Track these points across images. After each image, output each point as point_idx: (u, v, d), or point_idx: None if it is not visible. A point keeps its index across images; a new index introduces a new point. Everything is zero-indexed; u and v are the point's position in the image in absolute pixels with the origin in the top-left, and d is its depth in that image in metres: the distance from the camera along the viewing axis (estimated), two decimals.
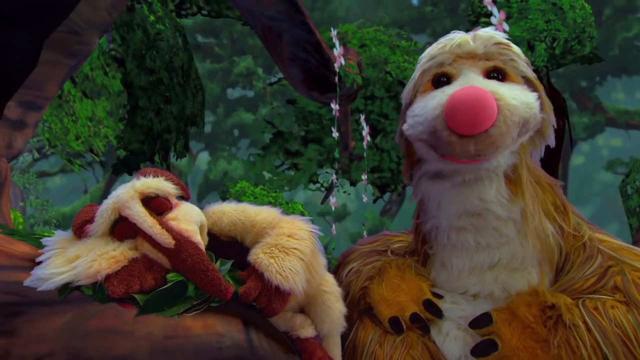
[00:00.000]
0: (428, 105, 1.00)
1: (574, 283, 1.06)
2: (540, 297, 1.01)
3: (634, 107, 13.08)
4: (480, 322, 1.02)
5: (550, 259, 1.10)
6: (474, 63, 1.05)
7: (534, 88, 1.06)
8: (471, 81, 1.00)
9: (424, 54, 1.13)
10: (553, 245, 1.09)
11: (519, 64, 1.06)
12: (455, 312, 1.10)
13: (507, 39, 1.09)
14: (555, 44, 5.60)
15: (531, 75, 1.08)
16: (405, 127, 1.08)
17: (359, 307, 1.17)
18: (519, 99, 0.98)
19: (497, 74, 1.04)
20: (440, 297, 1.13)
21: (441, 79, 1.07)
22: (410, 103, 1.11)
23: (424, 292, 1.13)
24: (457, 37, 1.08)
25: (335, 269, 1.33)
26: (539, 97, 1.04)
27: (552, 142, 1.11)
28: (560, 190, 1.15)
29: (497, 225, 1.07)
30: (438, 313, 1.09)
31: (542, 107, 1.04)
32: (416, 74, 1.13)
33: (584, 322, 0.95)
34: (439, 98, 0.99)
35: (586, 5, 5.78)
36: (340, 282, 1.21)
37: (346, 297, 1.17)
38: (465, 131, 0.93)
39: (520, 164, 1.06)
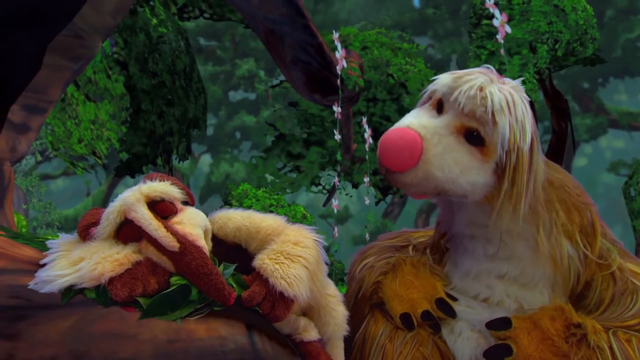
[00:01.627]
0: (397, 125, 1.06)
1: (611, 319, 1.01)
2: (566, 313, 1.00)
3: (636, 108, 13.05)
4: (499, 324, 1.02)
5: (564, 282, 1.08)
6: (458, 113, 1.06)
7: (506, 156, 1.00)
8: (415, 117, 1.07)
9: (437, 78, 1.11)
10: (568, 269, 1.07)
11: (499, 130, 1.01)
12: (470, 314, 1.10)
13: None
14: (557, 46, 5.60)
15: (506, 146, 1.01)
16: None
17: (371, 301, 1.17)
18: (442, 163, 0.99)
19: (474, 134, 1.02)
20: (454, 299, 1.13)
21: (441, 104, 1.10)
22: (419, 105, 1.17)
23: (438, 290, 1.13)
24: (459, 88, 1.03)
25: (352, 265, 1.33)
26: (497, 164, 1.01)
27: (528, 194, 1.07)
28: (594, 212, 1.10)
29: (506, 239, 1.06)
30: (451, 312, 1.09)
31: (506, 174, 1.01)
32: (428, 89, 1.13)
33: (610, 347, 0.93)
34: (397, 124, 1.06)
35: (588, 6, 5.78)
36: (353, 278, 1.23)
37: (359, 291, 1.19)
38: (386, 164, 1.01)
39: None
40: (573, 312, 1.00)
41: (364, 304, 1.17)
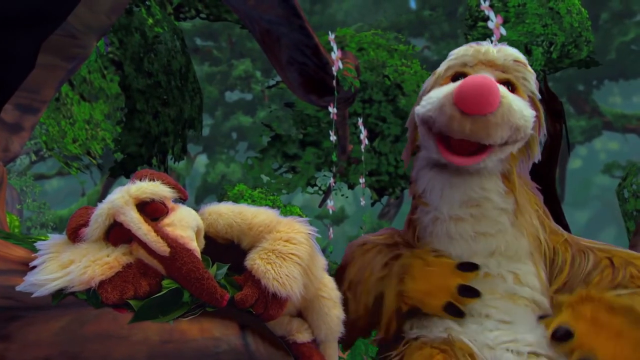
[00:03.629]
0: (443, 90, 1.10)
1: (587, 279, 1.14)
2: (605, 301, 1.06)
3: (630, 110, 13.15)
4: (562, 337, 1.04)
5: (539, 250, 1.18)
6: (491, 70, 1.16)
7: (535, 108, 1.16)
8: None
9: (453, 52, 1.25)
10: (541, 239, 1.18)
11: (529, 83, 1.17)
12: (495, 337, 1.09)
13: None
14: (552, 48, 5.63)
15: (537, 97, 1.19)
16: (417, 108, 1.16)
17: (401, 313, 1.18)
18: (519, 107, 1.07)
19: (508, 85, 1.14)
20: (474, 266, 1.15)
21: (459, 78, 1.15)
22: (428, 91, 1.21)
23: (451, 263, 1.16)
24: (484, 46, 1.19)
25: (348, 258, 1.34)
26: (536, 117, 1.14)
27: (537, 158, 1.23)
28: (541, 199, 1.26)
29: (494, 214, 1.14)
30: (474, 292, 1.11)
31: (536, 126, 1.15)
32: (442, 68, 1.24)
33: None
34: (452, 85, 1.09)
35: (583, 9, 5.82)
36: (354, 270, 1.24)
37: (380, 297, 1.21)
38: (468, 109, 1.02)
39: (511, 169, 1.17)
40: (605, 294, 1.07)
41: (391, 319, 1.19)
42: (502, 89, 1.05)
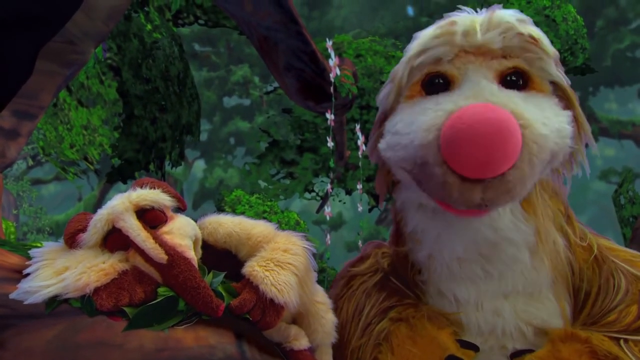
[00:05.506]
0: (416, 122, 0.74)
1: (606, 314, 0.89)
2: (590, 343, 0.83)
3: (626, 117, 13.24)
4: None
5: (563, 277, 0.93)
6: (485, 62, 0.76)
7: (565, 99, 0.80)
8: (482, 92, 0.72)
9: (412, 44, 0.83)
10: (564, 262, 0.92)
11: (547, 64, 0.77)
12: None
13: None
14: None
15: (563, 81, 0.79)
16: (381, 145, 0.83)
17: None
18: (550, 123, 0.71)
19: (517, 77, 0.76)
20: (474, 347, 0.90)
21: (435, 81, 0.79)
22: (389, 111, 0.85)
23: (445, 347, 0.89)
24: (462, 21, 0.77)
25: (335, 299, 1.13)
26: (574, 116, 0.78)
27: (586, 170, 0.90)
28: (564, 195, 0.95)
29: (510, 251, 0.87)
30: None
31: (576, 133, 0.79)
32: (400, 72, 0.83)
33: None
34: (433, 114, 0.72)
35: (578, 17, 5.88)
36: (339, 322, 1.07)
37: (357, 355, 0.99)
38: (472, 174, 0.67)
39: (533, 191, 0.87)
40: (590, 336, 0.85)
41: None
42: (516, 109, 0.68)
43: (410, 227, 0.96)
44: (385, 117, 0.87)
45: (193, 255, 0.92)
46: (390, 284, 1.08)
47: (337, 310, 1.09)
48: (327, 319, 1.06)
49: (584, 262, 0.92)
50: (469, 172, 0.67)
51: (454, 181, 0.69)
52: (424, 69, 0.81)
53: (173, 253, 0.88)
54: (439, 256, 0.93)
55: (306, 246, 1.03)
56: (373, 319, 1.01)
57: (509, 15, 0.77)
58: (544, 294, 0.92)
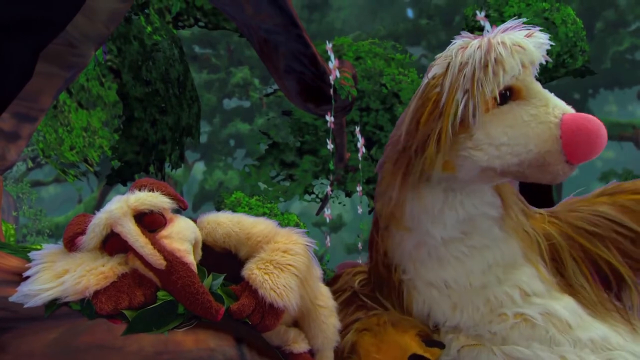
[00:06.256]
0: (523, 133, 0.88)
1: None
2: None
3: (626, 119, 13.26)
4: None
5: (530, 246, 1.06)
6: (529, 72, 0.93)
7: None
8: (557, 101, 0.92)
9: (472, 57, 0.90)
10: (530, 232, 1.07)
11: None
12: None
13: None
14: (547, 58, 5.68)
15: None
16: (481, 156, 0.91)
17: None
18: None
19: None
20: (439, 344, 1.01)
21: (504, 93, 0.91)
22: (463, 124, 0.92)
23: (407, 348, 0.99)
24: (523, 41, 0.90)
25: None
26: None
27: None
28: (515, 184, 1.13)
29: (485, 225, 1.03)
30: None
31: None
32: (467, 86, 0.90)
33: None
34: (542, 126, 0.87)
35: (578, 19, 5.89)
36: None
37: None
38: (581, 160, 0.87)
39: None
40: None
41: None
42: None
43: (407, 212, 1.05)
44: (458, 132, 0.94)
45: (192, 260, 0.92)
46: (357, 301, 1.16)
47: None
48: (328, 323, 1.05)
49: (542, 227, 1.08)
50: (582, 161, 0.87)
51: (566, 169, 0.88)
52: (500, 84, 0.90)
53: (172, 259, 0.87)
54: (429, 240, 1.04)
55: (307, 244, 1.02)
56: (341, 333, 1.07)
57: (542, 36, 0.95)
58: (519, 262, 1.04)
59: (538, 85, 0.93)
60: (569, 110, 0.91)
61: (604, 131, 0.87)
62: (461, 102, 0.90)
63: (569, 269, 1.05)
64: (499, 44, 0.90)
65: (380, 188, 1.14)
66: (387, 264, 1.13)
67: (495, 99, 0.91)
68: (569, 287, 1.05)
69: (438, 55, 1.02)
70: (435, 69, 1.00)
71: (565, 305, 0.99)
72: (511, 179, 0.98)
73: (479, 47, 0.91)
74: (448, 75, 0.93)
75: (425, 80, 1.01)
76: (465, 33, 0.99)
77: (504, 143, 0.89)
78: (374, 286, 1.18)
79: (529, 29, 0.94)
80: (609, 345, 0.94)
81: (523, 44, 0.90)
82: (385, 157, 1.12)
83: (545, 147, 0.87)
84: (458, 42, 0.97)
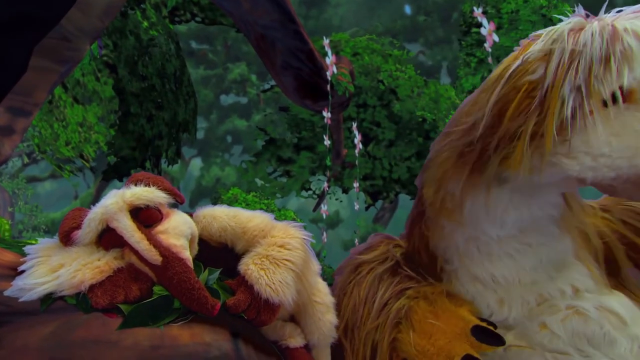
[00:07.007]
0: (631, 145, 0.73)
1: None
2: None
3: None
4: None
5: (586, 245, 1.00)
6: None
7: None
8: None
9: (590, 45, 0.74)
10: (589, 235, 1.00)
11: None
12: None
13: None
14: None
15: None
16: (572, 166, 0.78)
17: None
18: None
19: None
20: (492, 323, 0.93)
21: (615, 95, 0.76)
22: (567, 127, 0.77)
23: (468, 319, 0.92)
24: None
25: (341, 288, 1.13)
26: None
27: None
28: None
29: (544, 223, 0.96)
30: (497, 340, 0.89)
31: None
32: (580, 82, 0.75)
33: None
34: None
35: None
36: (349, 309, 1.06)
37: (375, 350, 1.00)
38: None
39: None
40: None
41: None
42: None
43: (465, 205, 0.95)
44: (557, 133, 0.80)
45: (188, 255, 0.91)
46: (402, 271, 1.09)
47: (346, 295, 1.10)
48: (325, 320, 1.05)
49: (594, 226, 1.01)
50: None
51: None
52: (613, 85, 0.75)
53: (168, 254, 0.87)
54: (483, 236, 0.97)
55: (304, 237, 1.01)
56: (389, 300, 1.02)
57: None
58: (571, 261, 0.98)
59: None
60: None
61: None
62: (568, 99, 0.74)
63: (623, 269, 1.00)
64: (626, 31, 0.73)
65: (432, 174, 1.02)
66: (431, 252, 1.08)
67: (602, 102, 0.75)
68: (622, 287, 0.99)
69: (536, 33, 0.85)
70: (531, 52, 0.81)
71: (619, 301, 0.93)
72: (598, 189, 0.86)
73: (600, 33, 0.74)
74: (553, 63, 0.76)
75: (517, 65, 0.82)
76: (579, 10, 0.81)
77: (604, 154, 0.75)
78: (414, 266, 1.11)
79: None
80: None
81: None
82: (445, 146, 0.98)
83: None
84: (569, 20, 0.80)
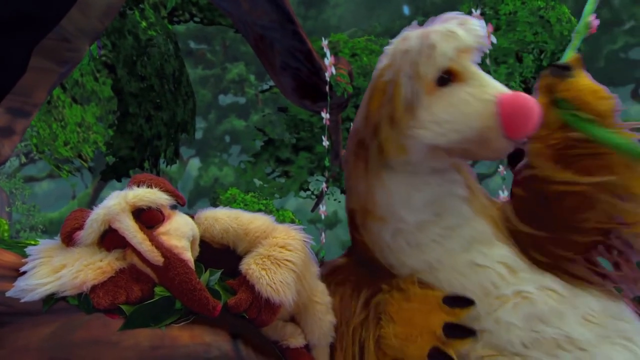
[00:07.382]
0: (463, 111, 0.94)
1: None
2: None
3: (620, 117, 13.33)
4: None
5: (498, 228, 1.08)
6: (468, 57, 0.99)
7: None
8: (494, 82, 0.98)
9: (411, 45, 0.98)
10: (494, 215, 1.09)
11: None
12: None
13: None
14: (542, 56, 5.71)
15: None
16: (425, 134, 0.96)
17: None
18: None
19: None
20: (469, 300, 0.98)
21: (444, 76, 0.97)
22: (409, 108, 0.98)
23: (439, 295, 0.99)
24: (454, 28, 0.97)
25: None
26: None
27: None
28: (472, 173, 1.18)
29: (456, 204, 1.06)
30: (467, 301, 0.97)
31: None
32: (409, 71, 0.97)
33: None
34: (481, 104, 0.93)
35: (572, 18, 5.91)
36: (335, 311, 1.08)
37: (363, 349, 1.03)
38: (520, 137, 0.94)
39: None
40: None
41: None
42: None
43: (380, 199, 1.07)
44: (406, 112, 1.00)
45: (190, 256, 0.92)
46: (377, 274, 1.15)
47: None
48: (324, 320, 1.06)
49: (498, 210, 1.11)
50: (521, 137, 0.94)
51: (505, 145, 0.94)
52: (438, 68, 0.97)
53: (169, 255, 0.87)
54: (404, 226, 1.05)
55: (305, 239, 1.02)
56: (369, 296, 1.09)
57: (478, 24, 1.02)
58: (494, 241, 1.06)
59: (477, 69, 0.99)
60: (506, 90, 0.96)
61: (537, 108, 0.93)
62: (406, 85, 0.98)
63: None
64: (433, 32, 0.97)
65: (348, 184, 1.17)
66: (377, 260, 1.12)
67: (435, 81, 0.97)
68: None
69: (385, 48, 1.09)
70: (381, 62, 1.07)
71: (551, 278, 1.00)
72: (458, 157, 1.03)
73: (417, 36, 0.99)
74: (393, 63, 1.01)
75: (374, 73, 1.08)
76: (414, 24, 1.05)
77: (447, 120, 0.96)
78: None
79: (470, 19, 1.01)
80: (604, 313, 0.96)
81: (454, 30, 0.97)
82: (347, 152, 1.16)
83: (484, 123, 0.93)
84: (401, 34, 1.04)
